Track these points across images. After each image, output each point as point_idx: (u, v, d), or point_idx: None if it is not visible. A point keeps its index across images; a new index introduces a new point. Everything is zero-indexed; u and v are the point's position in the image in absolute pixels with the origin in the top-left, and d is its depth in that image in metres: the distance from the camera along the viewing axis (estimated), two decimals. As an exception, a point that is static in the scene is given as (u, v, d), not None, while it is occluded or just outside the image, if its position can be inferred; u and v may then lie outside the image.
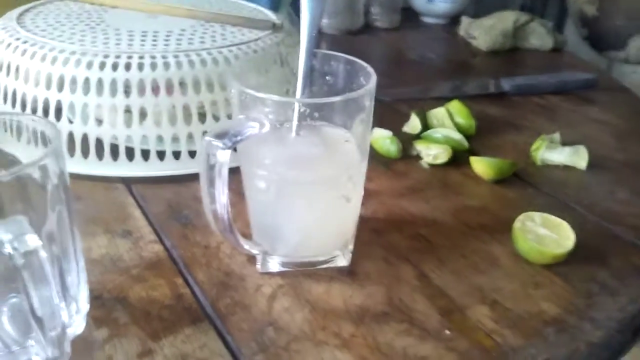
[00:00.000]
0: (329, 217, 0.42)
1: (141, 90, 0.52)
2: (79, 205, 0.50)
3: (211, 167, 0.35)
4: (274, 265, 0.44)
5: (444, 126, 0.64)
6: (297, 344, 0.37)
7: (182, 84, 0.53)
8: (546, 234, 0.44)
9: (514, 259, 0.46)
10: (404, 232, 0.49)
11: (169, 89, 0.53)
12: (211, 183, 0.36)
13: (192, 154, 0.55)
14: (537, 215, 0.46)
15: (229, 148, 0.35)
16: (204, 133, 0.54)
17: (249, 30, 0.61)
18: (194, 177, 0.55)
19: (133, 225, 0.48)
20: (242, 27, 0.61)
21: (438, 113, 0.65)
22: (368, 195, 0.53)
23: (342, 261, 0.44)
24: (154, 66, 0.52)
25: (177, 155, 0.55)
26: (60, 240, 0.34)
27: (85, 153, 0.54)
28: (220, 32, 0.60)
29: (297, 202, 0.41)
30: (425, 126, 0.65)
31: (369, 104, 0.40)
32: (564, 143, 0.63)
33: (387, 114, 0.71)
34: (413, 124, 0.65)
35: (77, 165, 0.54)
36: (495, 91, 0.77)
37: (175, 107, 0.53)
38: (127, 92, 0.52)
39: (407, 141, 0.62)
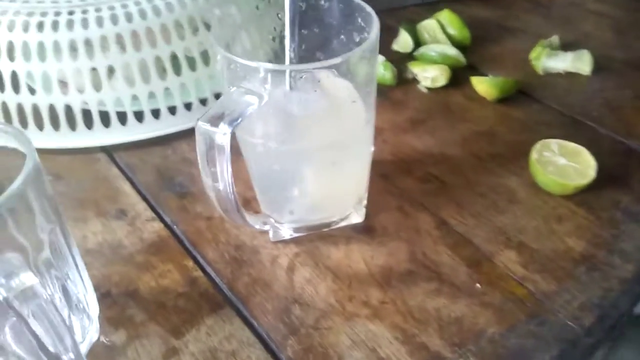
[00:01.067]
0: (341, 178, 0.39)
1: (105, 48, 0.46)
2: (61, 185, 0.46)
3: (210, 148, 0.31)
4: (286, 231, 0.41)
5: (437, 41, 0.59)
6: (326, 320, 0.36)
7: (149, 33, 0.47)
8: (566, 164, 0.42)
9: (533, 191, 0.44)
10: (414, 174, 0.46)
11: (136, 42, 0.47)
12: (212, 162, 0.32)
13: (171, 110, 0.50)
14: (554, 143, 0.43)
15: (228, 133, 0.30)
16: (182, 86, 0.49)
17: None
18: (178, 137, 0.51)
19: (126, 202, 0.45)
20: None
21: (428, 26, 0.60)
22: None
23: (357, 217, 0.42)
24: (114, 19, 0.46)
25: (156, 114, 0.50)
26: (58, 259, 0.30)
27: (55, 125, 0.48)
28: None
29: (305, 169, 0.38)
30: (417, 42, 0.60)
31: (373, 53, 0.35)
32: (564, 45, 0.59)
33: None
34: (403, 41, 0.60)
35: (49, 139, 0.49)
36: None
37: (146, 60, 0.47)
38: (89, 52, 0.46)
39: (400, 62, 0.58)
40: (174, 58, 0.48)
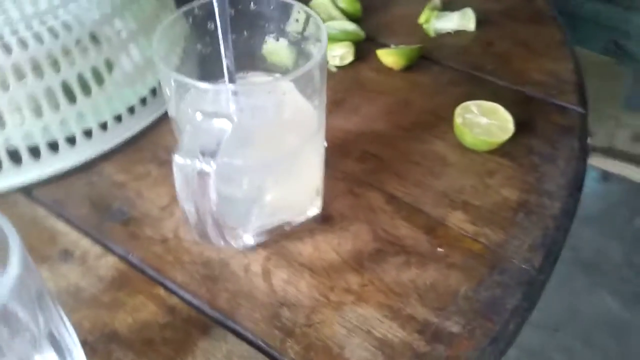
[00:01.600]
0: (300, 179, 0.40)
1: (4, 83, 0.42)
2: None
3: (191, 181, 0.30)
4: (248, 238, 0.41)
5: (332, 17, 0.60)
6: (316, 314, 0.37)
7: (35, 67, 0.43)
8: (488, 122, 0.46)
9: (460, 152, 0.48)
10: (352, 155, 0.48)
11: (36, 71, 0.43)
12: (194, 194, 0.31)
13: (87, 133, 0.47)
14: (472, 105, 0.47)
15: (213, 167, 0.30)
16: (94, 106, 0.46)
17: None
18: (100, 160, 0.48)
19: (66, 241, 0.42)
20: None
21: (320, 3, 0.61)
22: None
23: (314, 210, 0.43)
24: (7, 48, 0.41)
25: (71, 140, 0.46)
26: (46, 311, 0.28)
27: (-44, 173, 0.43)
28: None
29: (264, 179, 0.38)
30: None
31: (324, 59, 0.36)
32: (445, 5, 0.63)
33: (259, 14, 0.65)
34: (294, 25, 0.60)
35: (-48, 190, 0.43)
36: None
37: (52, 87, 0.43)
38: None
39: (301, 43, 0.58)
40: (65, 85, 0.45)
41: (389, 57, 0.55)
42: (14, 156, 0.44)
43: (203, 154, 0.30)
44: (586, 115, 0.51)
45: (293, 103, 0.36)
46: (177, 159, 0.29)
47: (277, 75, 0.42)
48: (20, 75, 0.43)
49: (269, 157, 0.37)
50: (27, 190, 0.45)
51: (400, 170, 0.46)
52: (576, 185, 0.45)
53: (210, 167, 0.30)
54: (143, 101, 0.50)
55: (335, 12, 0.60)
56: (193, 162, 0.29)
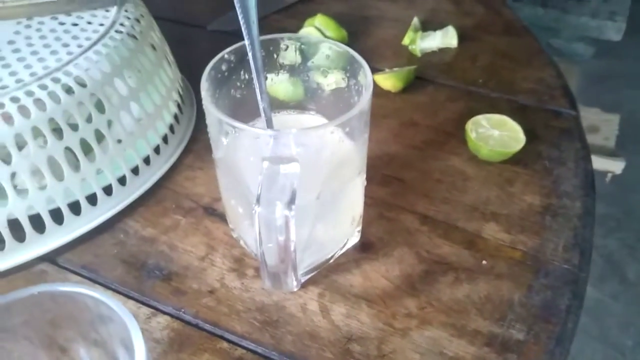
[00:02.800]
0: (341, 217, 0.40)
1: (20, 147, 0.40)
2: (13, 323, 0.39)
3: (273, 229, 0.30)
4: (299, 277, 0.41)
5: (320, 47, 0.61)
6: (386, 344, 0.37)
7: (54, 128, 0.41)
8: (500, 134, 0.48)
9: (475, 165, 0.49)
10: (373, 180, 0.48)
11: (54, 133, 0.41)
12: (277, 241, 0.31)
13: (107, 190, 0.45)
14: (482, 119, 0.49)
15: (290, 211, 0.30)
16: (111, 160, 0.45)
17: (91, 13, 0.48)
18: (123, 216, 0.47)
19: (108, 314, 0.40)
20: (78, 11, 0.48)
21: (307, 33, 0.62)
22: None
23: (354, 239, 0.43)
24: (26, 112, 0.39)
25: (92, 200, 0.44)
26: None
27: (-21, 250, 0.41)
28: (52, 34, 0.46)
29: (308, 219, 0.38)
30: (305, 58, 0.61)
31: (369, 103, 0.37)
32: (423, 24, 0.66)
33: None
34: (290, 55, 0.61)
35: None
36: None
37: (53, 157, 0.42)
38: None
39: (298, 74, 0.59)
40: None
41: (387, 80, 0.56)
42: (36, 223, 0.42)
43: (282, 201, 0.30)
44: (578, 116, 0.55)
45: (339, 143, 0.37)
46: (260, 210, 0.29)
47: (311, 113, 0.43)
48: (40, 137, 0.41)
49: (318, 196, 0.37)
50: (51, 259, 0.43)
51: (424, 189, 0.48)
52: (589, 184, 0.48)
53: (290, 212, 0.30)
54: (156, 150, 0.49)
55: (322, 42, 0.61)
56: (275, 211, 0.29)
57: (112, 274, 0.42)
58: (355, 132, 0.37)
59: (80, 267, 0.43)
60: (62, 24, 0.47)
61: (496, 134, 0.48)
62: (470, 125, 0.49)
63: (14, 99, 0.40)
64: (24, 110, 0.40)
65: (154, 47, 0.51)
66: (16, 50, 0.44)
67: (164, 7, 0.74)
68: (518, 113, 0.54)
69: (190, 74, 0.58)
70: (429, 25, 0.65)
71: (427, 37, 0.62)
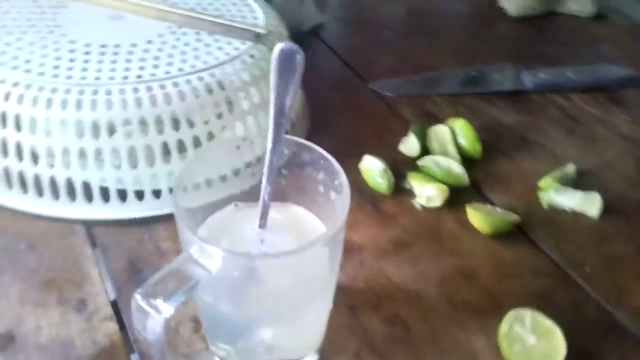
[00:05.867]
0: (297, 332, 0.38)
1: (96, 132, 0.46)
2: (32, 258, 0.47)
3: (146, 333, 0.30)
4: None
5: (446, 153, 0.57)
6: None
7: (142, 122, 0.47)
8: (535, 344, 0.40)
9: (495, 358, 0.42)
10: (381, 311, 0.44)
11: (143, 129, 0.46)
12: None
13: (156, 193, 0.50)
14: (528, 316, 0.41)
15: (166, 313, 0.30)
16: (170, 175, 0.49)
17: (227, 41, 0.52)
18: (158, 220, 0.51)
19: (89, 291, 0.45)
20: (219, 35, 0.53)
21: (440, 132, 0.58)
22: (350, 249, 0.49)
23: (311, 358, 0.41)
24: (109, 104, 0.46)
25: (140, 195, 0.50)
26: None
27: (39, 191, 0.49)
28: (192, 43, 0.51)
29: (261, 329, 0.37)
30: (425, 148, 0.58)
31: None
32: (579, 174, 0.56)
33: (385, 120, 0.64)
34: (411, 144, 0.58)
35: (32, 203, 0.49)
36: (514, 89, 0.68)
37: (136, 148, 0.47)
38: (79, 133, 0.46)
39: (402, 166, 0.56)
40: (165, 146, 0.48)
41: (476, 218, 0.50)
42: (88, 193, 0.49)
43: (162, 294, 0.30)
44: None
45: (311, 259, 0.35)
46: (135, 295, 0.30)
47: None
48: (160, 126, 0.47)
49: (276, 308, 0.35)
50: (88, 225, 0.49)
51: (422, 352, 0.42)
52: None
53: (161, 314, 0.29)
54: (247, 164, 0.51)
55: (451, 148, 0.57)
56: (147, 305, 0.29)
57: (114, 264, 0.46)
58: (331, 253, 0.34)
59: (100, 244, 0.48)
60: (203, 38, 0.52)
61: (530, 340, 0.40)
62: (510, 315, 0.41)
63: (162, 86, 0.47)
64: (167, 98, 0.46)
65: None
66: (165, 46, 0.51)
67: (346, 45, 0.76)
68: (599, 329, 0.44)
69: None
70: (583, 182, 0.56)
71: (565, 192, 0.53)
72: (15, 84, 0.46)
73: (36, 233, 0.48)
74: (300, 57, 0.33)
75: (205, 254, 0.31)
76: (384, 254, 0.49)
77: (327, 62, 0.73)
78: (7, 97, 0.45)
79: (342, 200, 0.34)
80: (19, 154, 0.47)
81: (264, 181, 0.36)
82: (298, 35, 0.74)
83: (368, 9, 0.87)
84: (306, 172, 0.38)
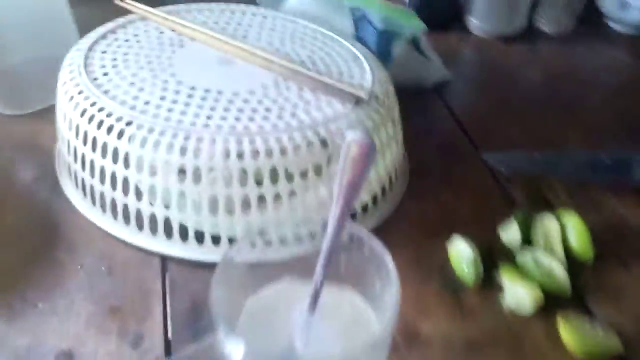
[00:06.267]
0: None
1: (197, 178, 0.47)
2: (108, 282, 0.49)
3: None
4: None
5: (551, 250, 0.50)
6: None
7: (243, 171, 0.46)
8: None
9: None
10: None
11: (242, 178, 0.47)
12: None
13: (231, 240, 0.50)
14: None
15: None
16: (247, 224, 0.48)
17: (327, 101, 0.51)
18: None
19: (148, 328, 0.45)
20: (321, 93, 0.51)
21: (548, 226, 0.51)
22: (414, 339, 0.45)
23: None
24: (197, 151, 0.46)
25: (216, 240, 0.50)
26: None
27: (127, 219, 0.51)
28: (293, 98, 0.51)
29: None
30: (528, 238, 0.52)
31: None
32: None
33: (490, 198, 0.59)
34: (512, 232, 0.52)
35: (119, 229, 0.51)
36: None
37: (217, 196, 0.47)
38: (181, 176, 0.47)
39: (496, 253, 0.51)
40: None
41: (568, 334, 0.43)
42: (168, 229, 0.50)
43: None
44: None
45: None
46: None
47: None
48: (274, 177, 0.47)
49: None
50: (165, 258, 0.51)
51: None
52: None
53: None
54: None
55: (557, 247, 0.50)
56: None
57: (178, 304, 0.47)
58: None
59: (171, 279, 0.49)
60: (304, 95, 0.52)
61: None
62: None
63: (278, 140, 0.46)
64: (284, 150, 0.46)
65: (394, 123, 0.53)
66: (265, 99, 0.50)
67: (466, 107, 0.71)
68: None
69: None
70: None
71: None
72: (140, 127, 0.47)
73: (117, 259, 0.50)
74: (372, 153, 0.30)
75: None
76: (453, 353, 0.44)
77: (440, 122, 0.69)
78: (131, 139, 0.47)
79: (390, 311, 0.31)
80: (113, 183, 0.49)
81: (318, 268, 0.34)
82: (418, 91, 0.71)
83: (501, 68, 0.81)
84: (364, 259, 0.36)
